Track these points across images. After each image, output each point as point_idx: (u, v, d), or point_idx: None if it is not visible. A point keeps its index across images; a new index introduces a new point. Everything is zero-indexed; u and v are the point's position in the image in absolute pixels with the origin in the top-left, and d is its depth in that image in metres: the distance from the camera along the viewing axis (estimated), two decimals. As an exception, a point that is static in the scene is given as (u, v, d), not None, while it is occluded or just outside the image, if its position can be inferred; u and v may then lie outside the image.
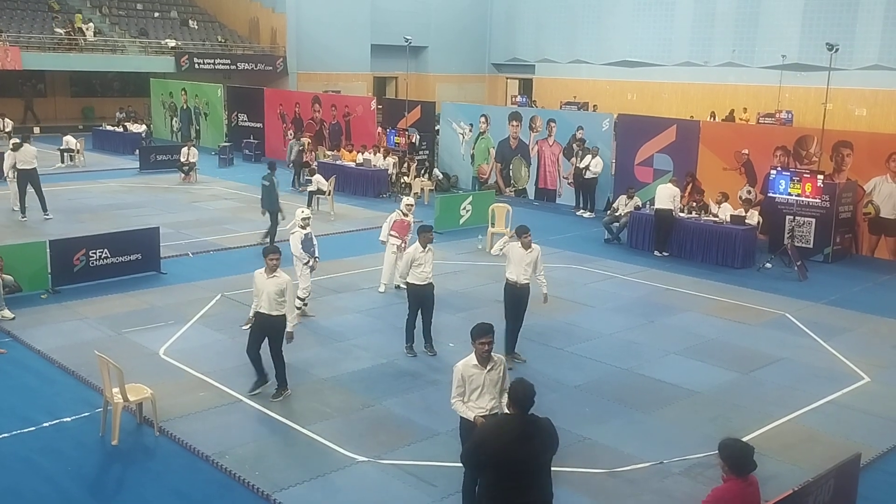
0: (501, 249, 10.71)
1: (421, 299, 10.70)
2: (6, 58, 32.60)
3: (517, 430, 5.46)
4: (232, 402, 9.23)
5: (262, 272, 9.18)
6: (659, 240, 16.72)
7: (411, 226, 13.42)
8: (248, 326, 9.75)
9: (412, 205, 13.63)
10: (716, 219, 16.40)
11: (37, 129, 32.88)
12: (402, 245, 13.35)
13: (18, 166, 18.15)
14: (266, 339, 9.25)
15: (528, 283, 10.41)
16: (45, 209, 18.36)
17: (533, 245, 10.29)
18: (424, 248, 10.60)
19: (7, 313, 11.69)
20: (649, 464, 8.07)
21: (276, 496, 7.32)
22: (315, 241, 12.08)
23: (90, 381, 9.55)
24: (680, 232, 16.58)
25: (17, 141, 18.61)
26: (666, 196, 16.55)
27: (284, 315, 9.17)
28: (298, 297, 11.90)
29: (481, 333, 6.58)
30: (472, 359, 6.64)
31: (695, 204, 17.20)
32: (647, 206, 17.69)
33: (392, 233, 13.41)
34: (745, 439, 8.56)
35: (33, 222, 17.85)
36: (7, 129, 31.03)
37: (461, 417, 6.76)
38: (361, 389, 9.68)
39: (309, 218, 11.99)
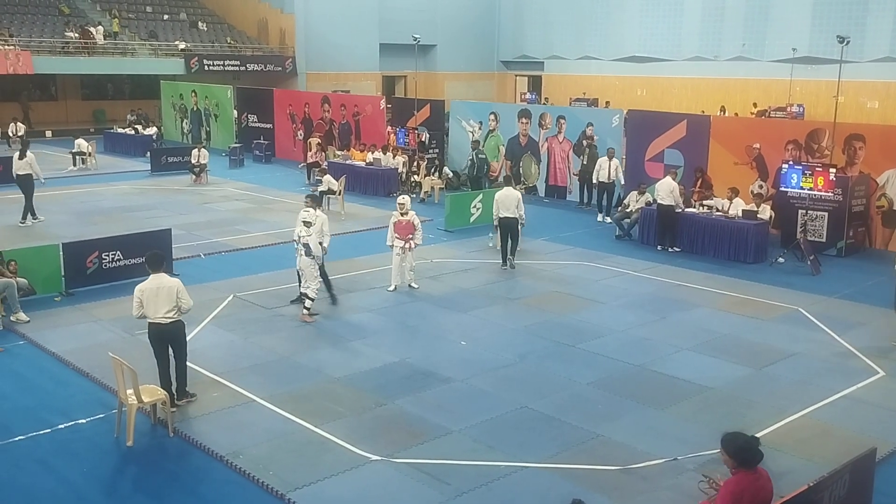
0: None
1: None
2: (17, 62, 32.79)
3: None
4: (245, 403, 9.26)
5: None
6: (660, 234, 16.68)
7: (413, 224, 13.39)
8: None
9: (404, 203, 13.44)
10: (725, 215, 16.31)
11: (49, 133, 33.06)
12: (408, 246, 13.33)
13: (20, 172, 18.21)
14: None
15: None
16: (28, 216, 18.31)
17: None
18: None
19: (22, 316, 11.78)
20: (663, 460, 8.05)
21: (291, 495, 7.34)
22: None
23: (104, 383, 9.60)
24: (691, 227, 16.51)
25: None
26: (665, 191, 16.49)
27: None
28: (309, 298, 11.94)
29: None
30: None
31: (699, 198, 17.12)
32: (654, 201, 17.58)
33: (395, 235, 13.40)
34: (758, 435, 8.54)
35: (44, 225, 17.94)
36: (20, 134, 31.18)
37: None
38: (374, 388, 9.69)
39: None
